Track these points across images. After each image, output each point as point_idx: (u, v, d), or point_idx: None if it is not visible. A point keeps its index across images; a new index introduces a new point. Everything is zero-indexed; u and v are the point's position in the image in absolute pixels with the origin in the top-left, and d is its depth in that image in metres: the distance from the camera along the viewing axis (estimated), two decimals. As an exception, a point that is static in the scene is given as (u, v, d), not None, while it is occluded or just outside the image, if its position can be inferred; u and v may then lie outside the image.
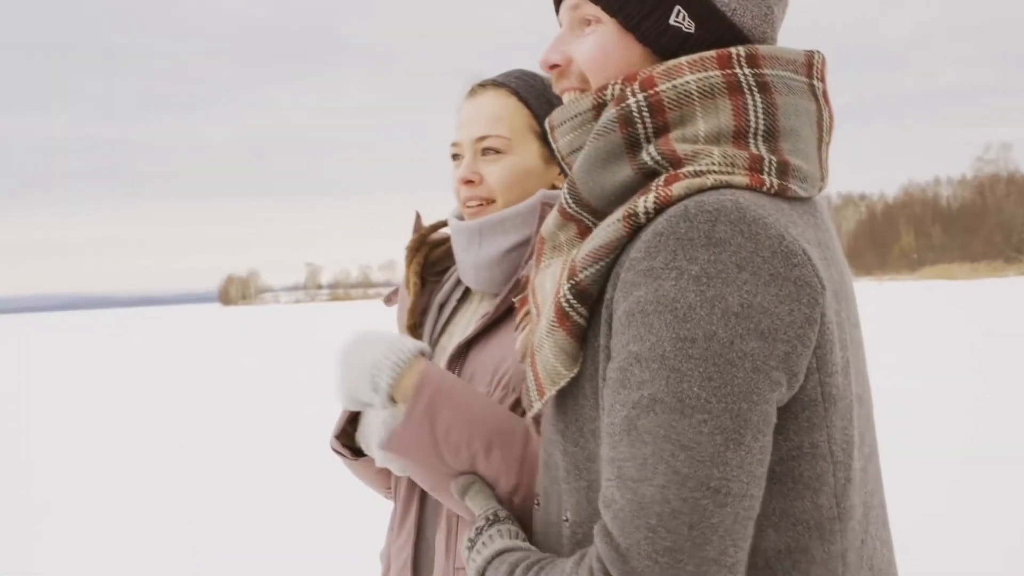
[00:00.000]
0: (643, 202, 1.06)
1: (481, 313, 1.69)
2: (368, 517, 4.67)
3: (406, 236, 1.80)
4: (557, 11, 1.26)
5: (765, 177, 1.08)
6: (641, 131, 1.11)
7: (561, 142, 1.22)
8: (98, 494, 8.45)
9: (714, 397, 0.97)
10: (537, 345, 1.15)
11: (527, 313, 1.27)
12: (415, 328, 1.75)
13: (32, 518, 7.60)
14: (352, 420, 1.71)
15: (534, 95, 1.69)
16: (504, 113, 1.67)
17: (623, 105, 1.12)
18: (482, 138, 1.66)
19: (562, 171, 1.69)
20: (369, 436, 1.67)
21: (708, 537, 0.96)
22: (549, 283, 1.19)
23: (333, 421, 1.73)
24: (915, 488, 6.76)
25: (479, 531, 1.29)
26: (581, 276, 1.09)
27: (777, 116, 1.12)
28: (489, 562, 1.20)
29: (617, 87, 1.15)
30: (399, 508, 1.71)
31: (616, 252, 1.08)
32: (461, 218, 1.71)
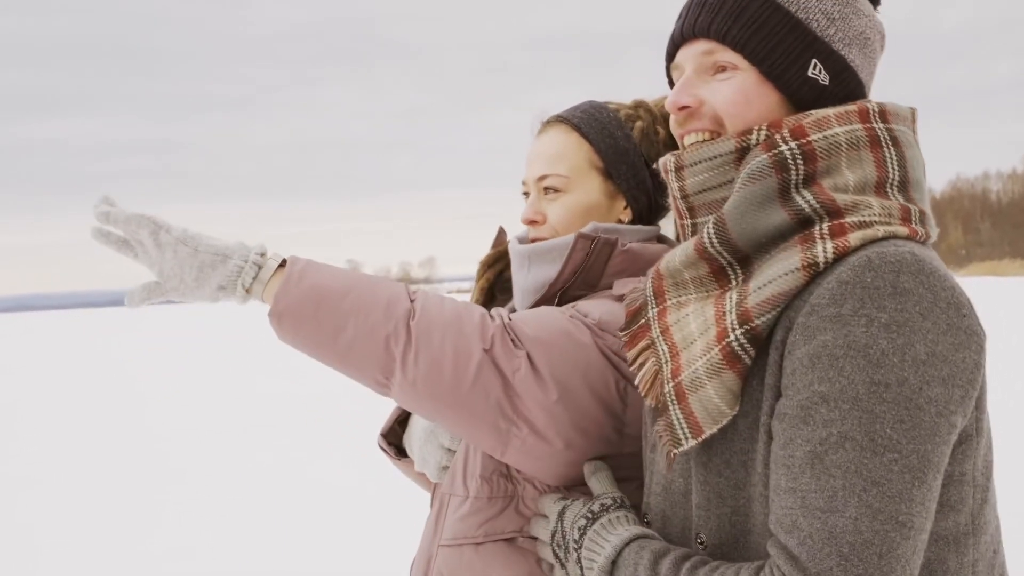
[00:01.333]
0: (821, 252, 1.11)
1: None
2: (407, 523, 4.66)
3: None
4: (670, 58, 1.30)
5: (916, 227, 1.15)
6: (794, 177, 1.16)
7: (690, 182, 1.24)
8: (129, 490, 8.51)
9: (904, 438, 1.04)
10: (691, 385, 1.17)
11: (645, 348, 1.28)
12: None
13: (40, 522, 7.62)
14: (402, 421, 1.74)
15: (596, 129, 1.66)
16: (565, 151, 1.66)
17: (777, 151, 1.17)
18: (543, 177, 1.66)
19: (628, 205, 1.67)
20: (413, 440, 1.70)
21: (893, 566, 1.03)
22: (694, 323, 1.21)
23: (382, 419, 1.77)
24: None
25: (604, 508, 1.33)
26: (758, 322, 1.12)
27: (907, 168, 1.20)
28: (628, 543, 1.25)
29: (763, 133, 1.19)
30: (432, 517, 1.70)
31: (791, 298, 1.12)
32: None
